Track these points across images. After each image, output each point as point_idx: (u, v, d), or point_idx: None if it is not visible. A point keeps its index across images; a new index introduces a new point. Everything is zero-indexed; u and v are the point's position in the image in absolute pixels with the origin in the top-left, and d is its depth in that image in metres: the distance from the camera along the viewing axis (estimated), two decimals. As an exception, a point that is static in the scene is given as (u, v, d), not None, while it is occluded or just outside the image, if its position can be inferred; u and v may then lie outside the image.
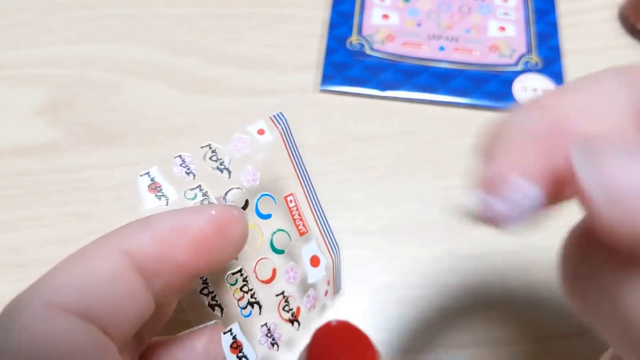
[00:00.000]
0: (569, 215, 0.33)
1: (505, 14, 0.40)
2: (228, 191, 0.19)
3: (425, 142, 0.35)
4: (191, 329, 0.19)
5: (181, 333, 0.19)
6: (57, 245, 0.31)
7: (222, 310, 0.19)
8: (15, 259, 0.30)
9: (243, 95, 0.36)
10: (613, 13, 0.40)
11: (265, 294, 0.19)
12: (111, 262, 0.16)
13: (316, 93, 0.36)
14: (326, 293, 0.22)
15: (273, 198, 0.20)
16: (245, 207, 0.19)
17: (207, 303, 0.18)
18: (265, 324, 0.19)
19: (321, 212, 0.22)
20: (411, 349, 0.28)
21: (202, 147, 0.19)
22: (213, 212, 0.16)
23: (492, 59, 0.38)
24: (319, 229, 0.22)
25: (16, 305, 0.15)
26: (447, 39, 0.38)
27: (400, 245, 0.31)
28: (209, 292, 0.18)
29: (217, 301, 0.19)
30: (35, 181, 0.33)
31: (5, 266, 0.30)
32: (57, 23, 0.39)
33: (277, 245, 0.20)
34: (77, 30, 0.39)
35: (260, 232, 0.19)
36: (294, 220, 0.21)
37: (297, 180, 0.21)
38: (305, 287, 0.21)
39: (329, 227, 0.22)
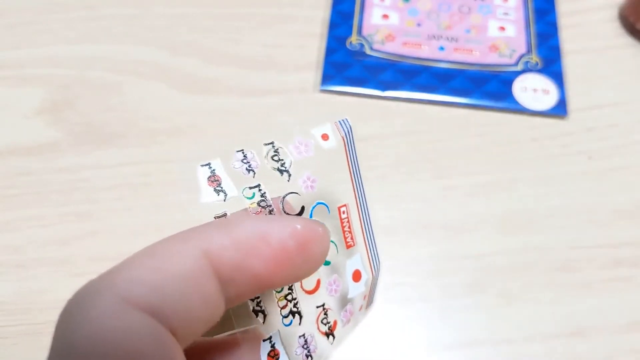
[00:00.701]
0: (569, 215, 0.33)
1: (505, 13, 0.40)
2: (286, 195, 0.18)
3: (425, 142, 0.35)
4: (232, 332, 0.19)
5: (222, 335, 0.19)
6: (57, 245, 0.31)
7: (264, 317, 0.18)
8: (15, 259, 0.30)
9: (243, 95, 0.36)
10: (613, 13, 0.40)
11: (307, 304, 0.19)
12: (190, 261, 0.15)
13: (316, 93, 0.36)
14: (360, 308, 0.22)
15: (327, 207, 0.19)
16: (300, 213, 0.19)
17: (251, 308, 0.18)
18: (303, 335, 0.19)
19: (369, 226, 0.21)
20: (411, 349, 0.28)
21: (265, 145, 0.18)
22: (298, 226, 0.16)
23: (492, 59, 0.38)
24: (365, 244, 0.21)
25: (88, 293, 0.14)
26: (447, 39, 0.38)
27: (400, 245, 0.31)
28: (255, 298, 0.18)
29: (261, 307, 0.18)
30: (35, 181, 0.33)
31: (5, 266, 0.30)
32: (57, 23, 0.39)
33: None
34: (77, 30, 0.39)
35: None
36: (344, 232, 0.20)
37: (352, 191, 0.20)
38: (344, 301, 0.20)
39: (374, 242, 0.22)
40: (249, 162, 0.18)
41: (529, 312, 0.29)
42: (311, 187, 0.18)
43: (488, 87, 0.36)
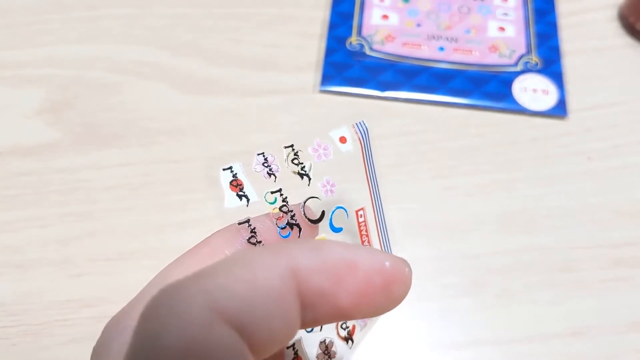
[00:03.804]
0: (569, 215, 0.33)
1: (505, 14, 0.40)
2: (306, 200, 0.18)
3: (425, 142, 0.35)
4: None
5: None
6: (57, 246, 0.31)
7: None
8: (15, 259, 0.30)
9: (243, 95, 0.36)
10: (613, 13, 0.40)
11: None
12: (279, 278, 0.14)
13: (316, 93, 0.36)
14: None
15: (346, 211, 0.19)
16: (320, 219, 0.18)
17: None
18: (324, 340, 0.19)
19: (385, 229, 0.21)
20: (411, 348, 0.28)
21: (285, 147, 0.18)
22: (387, 264, 0.15)
23: (492, 59, 0.38)
24: (380, 246, 0.21)
25: (180, 295, 0.14)
26: (447, 39, 0.38)
27: (400, 245, 0.31)
28: None
29: None
30: (35, 181, 0.33)
31: (5, 266, 0.30)
32: (57, 23, 0.39)
33: None
34: (77, 30, 0.39)
35: None
36: (361, 235, 0.20)
37: (369, 194, 0.20)
38: None
39: (389, 244, 0.22)
40: (269, 166, 0.18)
41: (529, 312, 0.29)
42: (331, 191, 0.18)
43: (488, 87, 0.36)
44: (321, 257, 0.15)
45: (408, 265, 0.16)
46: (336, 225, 0.19)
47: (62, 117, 0.35)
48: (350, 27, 0.39)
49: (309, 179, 0.18)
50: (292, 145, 0.18)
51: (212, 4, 0.40)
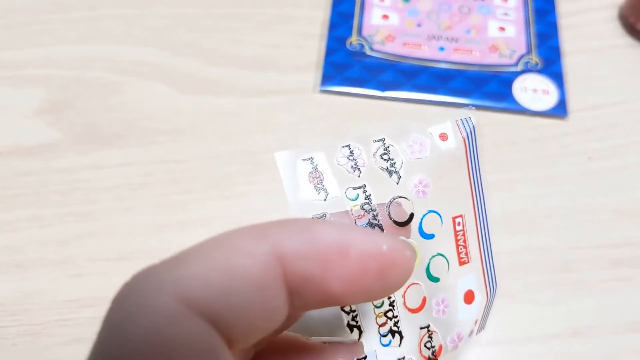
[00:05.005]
0: (569, 215, 0.33)
1: (505, 14, 0.40)
2: (393, 199, 0.16)
3: (425, 142, 0.34)
4: (325, 339, 0.17)
5: (313, 339, 0.17)
6: (57, 246, 0.31)
7: (360, 333, 0.16)
8: (15, 259, 0.30)
9: (243, 95, 0.36)
10: (613, 13, 0.40)
11: (409, 324, 0.17)
12: (262, 265, 0.13)
13: (316, 93, 0.36)
14: (471, 333, 0.19)
15: (440, 216, 0.17)
16: (409, 221, 0.16)
17: (345, 322, 0.16)
18: (403, 358, 0.17)
19: (488, 242, 0.19)
20: (411, 349, 0.28)
21: (374, 141, 0.16)
22: (384, 247, 0.14)
23: (492, 59, 0.38)
24: (482, 261, 0.19)
25: (149, 284, 0.13)
26: (447, 39, 0.38)
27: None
28: (350, 311, 0.16)
29: (357, 322, 0.16)
30: (35, 181, 0.33)
31: (5, 266, 0.30)
32: (57, 23, 0.39)
33: (433, 272, 0.17)
34: (77, 30, 0.39)
35: (418, 253, 0.17)
36: (457, 246, 0.18)
37: (471, 200, 0.18)
38: (452, 324, 0.18)
39: (493, 260, 0.20)
40: (355, 160, 0.16)
41: (529, 312, 0.29)
42: (423, 192, 0.17)
43: (488, 87, 0.36)
44: (310, 240, 0.14)
45: (410, 249, 0.14)
46: (427, 231, 0.17)
47: (62, 117, 0.35)
48: (351, 27, 0.39)
49: (399, 177, 0.16)
50: (382, 139, 0.16)
51: (212, 4, 0.40)
